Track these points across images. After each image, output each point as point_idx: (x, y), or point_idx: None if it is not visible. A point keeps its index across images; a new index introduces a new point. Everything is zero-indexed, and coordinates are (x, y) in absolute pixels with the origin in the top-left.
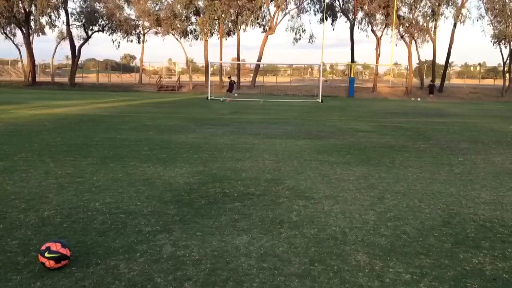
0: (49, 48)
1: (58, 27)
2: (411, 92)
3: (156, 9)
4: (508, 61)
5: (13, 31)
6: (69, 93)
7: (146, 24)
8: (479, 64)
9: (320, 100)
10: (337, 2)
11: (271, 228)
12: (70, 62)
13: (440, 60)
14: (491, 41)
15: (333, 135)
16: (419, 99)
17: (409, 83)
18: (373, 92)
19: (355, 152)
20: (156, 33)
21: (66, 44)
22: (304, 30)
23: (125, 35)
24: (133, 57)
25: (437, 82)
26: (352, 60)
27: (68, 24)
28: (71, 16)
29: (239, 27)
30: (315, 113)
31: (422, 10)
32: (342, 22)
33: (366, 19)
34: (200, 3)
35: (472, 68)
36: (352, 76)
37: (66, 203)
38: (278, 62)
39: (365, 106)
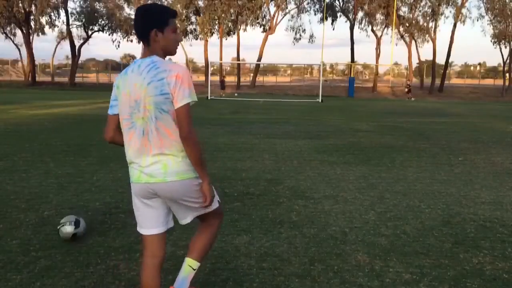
0: (49, 48)
1: (58, 27)
2: (411, 92)
3: None
4: (508, 61)
5: (13, 31)
6: (69, 93)
7: None
8: (479, 64)
9: (320, 100)
10: (337, 2)
11: (271, 228)
12: (70, 62)
13: (440, 60)
14: (491, 41)
15: (333, 135)
16: (413, 98)
17: (410, 83)
18: (373, 92)
19: (355, 152)
20: None
21: (66, 44)
22: (304, 30)
23: (125, 35)
24: (133, 57)
25: (437, 82)
26: (352, 60)
27: (68, 24)
28: (71, 16)
29: (239, 27)
30: (315, 113)
31: (422, 10)
32: (342, 22)
33: (366, 19)
34: (200, 3)
35: (472, 68)
36: (352, 76)
37: (66, 203)
38: (278, 62)
39: (365, 106)
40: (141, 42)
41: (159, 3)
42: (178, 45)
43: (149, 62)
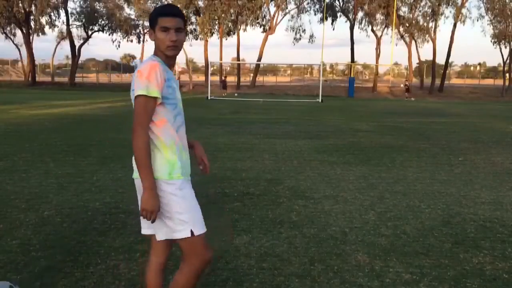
0: (49, 48)
1: (58, 27)
2: (411, 92)
3: None
4: (508, 61)
5: (13, 31)
6: (69, 93)
7: (146, 24)
8: (479, 64)
9: (320, 100)
10: (337, 2)
11: (271, 228)
12: (70, 62)
13: (440, 60)
14: (491, 41)
15: (333, 135)
16: (413, 98)
17: (409, 83)
18: (373, 92)
19: (355, 152)
20: None
21: (66, 44)
22: (304, 30)
23: (125, 35)
24: (133, 57)
25: (437, 82)
26: (352, 60)
27: (68, 24)
28: (71, 16)
29: (239, 27)
30: (315, 113)
31: (422, 10)
32: (342, 22)
33: (366, 19)
34: (200, 3)
35: (472, 68)
36: (352, 76)
37: (66, 203)
38: (278, 62)
39: (365, 106)
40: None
41: (160, 2)
42: (172, 45)
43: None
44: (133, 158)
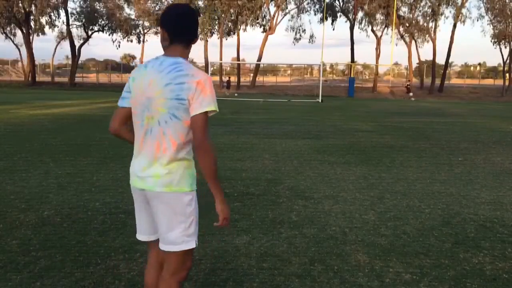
0: (49, 48)
1: (58, 27)
2: (410, 92)
3: (156, 9)
4: (508, 61)
5: (13, 31)
6: (69, 93)
7: (146, 24)
8: (479, 64)
9: (320, 100)
10: (337, 2)
11: (271, 228)
12: (70, 62)
13: (440, 60)
14: (491, 41)
15: (333, 135)
16: (413, 99)
17: (410, 83)
18: (373, 92)
19: (355, 152)
20: (156, 32)
21: (66, 44)
22: (304, 30)
23: (125, 35)
24: (133, 57)
25: (437, 82)
26: (352, 60)
27: (68, 24)
28: (71, 16)
29: (239, 27)
30: (315, 113)
31: (422, 10)
32: (342, 22)
33: (366, 19)
34: (200, 3)
35: (472, 68)
36: (352, 76)
37: (66, 203)
38: (278, 62)
39: (365, 106)
40: (167, 38)
41: (160, 2)
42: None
43: (173, 62)
44: (162, 171)
